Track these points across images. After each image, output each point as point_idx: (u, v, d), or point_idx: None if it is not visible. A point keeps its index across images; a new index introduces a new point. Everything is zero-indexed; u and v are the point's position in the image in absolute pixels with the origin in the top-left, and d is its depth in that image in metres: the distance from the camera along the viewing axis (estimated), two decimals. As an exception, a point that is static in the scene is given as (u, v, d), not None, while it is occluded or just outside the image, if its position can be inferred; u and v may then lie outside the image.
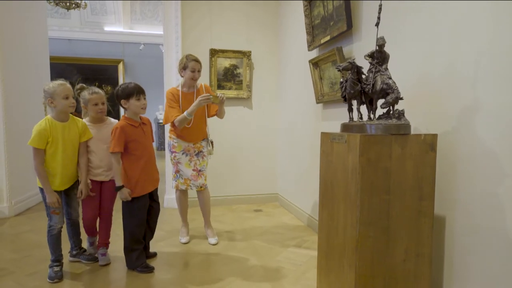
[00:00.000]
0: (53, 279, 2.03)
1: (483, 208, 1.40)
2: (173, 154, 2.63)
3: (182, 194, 2.73)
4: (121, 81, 9.87)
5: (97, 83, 9.74)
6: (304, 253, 2.51)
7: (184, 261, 2.37)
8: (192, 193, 2.92)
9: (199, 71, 2.56)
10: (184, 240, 2.69)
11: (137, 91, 2.11)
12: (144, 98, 2.16)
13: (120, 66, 9.85)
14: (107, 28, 9.19)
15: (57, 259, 2.11)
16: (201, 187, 2.66)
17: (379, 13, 1.48)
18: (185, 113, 2.45)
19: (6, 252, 2.48)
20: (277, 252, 2.52)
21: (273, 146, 4.05)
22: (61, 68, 9.18)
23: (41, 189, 2.06)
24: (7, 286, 1.97)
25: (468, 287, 1.47)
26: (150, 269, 2.18)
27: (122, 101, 2.13)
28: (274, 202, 4.06)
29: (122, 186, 2.11)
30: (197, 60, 2.56)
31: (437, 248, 1.62)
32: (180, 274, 2.17)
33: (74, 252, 2.35)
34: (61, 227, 2.13)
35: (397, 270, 1.47)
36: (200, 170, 2.66)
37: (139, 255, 2.20)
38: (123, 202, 2.17)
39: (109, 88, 9.86)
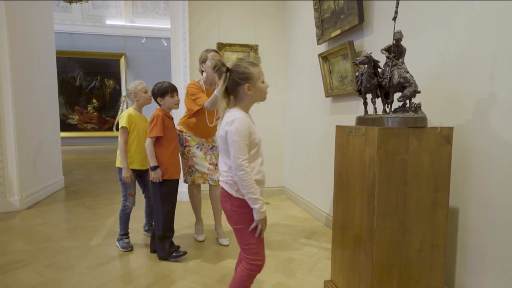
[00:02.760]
0: (126, 248, 2.43)
1: (497, 200, 1.43)
2: (186, 148, 2.56)
3: (195, 189, 2.66)
4: (123, 75, 9.86)
5: (99, 77, 9.75)
6: (314, 244, 2.55)
7: (198, 252, 2.41)
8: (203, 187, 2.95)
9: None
10: (200, 238, 2.65)
11: (171, 89, 2.30)
12: (177, 95, 2.34)
13: (122, 60, 9.83)
14: (108, 22, 9.15)
15: (126, 233, 2.50)
16: (218, 181, 2.58)
17: (397, 7, 1.50)
18: (215, 92, 2.30)
19: (21, 244, 2.52)
20: (288, 244, 2.56)
21: (280, 139, 4.08)
22: (63, 62, 9.17)
23: (119, 170, 2.42)
24: (28, 277, 2.01)
25: (481, 277, 1.51)
26: (183, 254, 2.28)
27: (158, 99, 2.30)
28: (280, 195, 4.10)
29: (158, 166, 2.23)
30: (216, 51, 2.53)
31: (451, 239, 1.65)
32: (195, 264, 2.21)
33: (146, 228, 2.75)
34: (132, 208, 2.50)
35: (412, 260, 1.50)
36: (216, 164, 2.61)
37: (171, 243, 2.29)
38: (155, 190, 2.29)
39: (112, 82, 9.86)
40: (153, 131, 2.21)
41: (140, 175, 2.58)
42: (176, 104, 2.33)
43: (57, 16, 8.38)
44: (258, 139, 1.43)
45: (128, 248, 2.43)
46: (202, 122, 2.52)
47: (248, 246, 1.40)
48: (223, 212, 2.56)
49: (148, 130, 2.25)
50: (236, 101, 1.44)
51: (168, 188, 2.28)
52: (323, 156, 3.04)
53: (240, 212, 1.39)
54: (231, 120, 1.36)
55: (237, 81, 1.40)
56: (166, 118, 2.28)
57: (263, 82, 1.46)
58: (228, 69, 1.40)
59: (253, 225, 1.37)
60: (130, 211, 2.50)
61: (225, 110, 1.43)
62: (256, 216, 1.36)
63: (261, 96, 1.47)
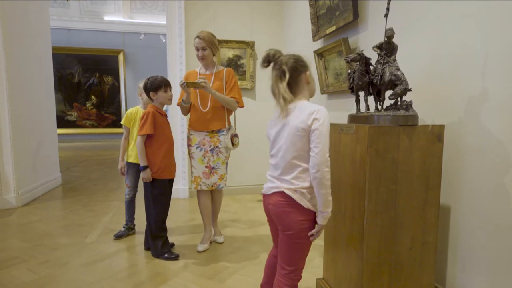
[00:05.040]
0: (113, 236, 2.60)
1: (488, 197, 1.43)
2: (189, 147, 2.43)
3: (201, 194, 2.43)
4: (121, 71, 9.83)
5: (97, 74, 9.73)
6: (309, 241, 2.55)
7: (192, 250, 2.42)
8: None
9: (203, 49, 2.32)
10: (200, 248, 2.39)
11: (164, 84, 2.22)
12: (170, 90, 2.28)
13: (121, 56, 9.80)
14: (106, 18, 9.11)
15: (126, 222, 2.67)
16: (212, 186, 2.38)
17: (388, 4, 1.49)
18: (182, 102, 2.34)
19: (17, 241, 2.53)
20: (283, 241, 2.56)
21: (277, 136, 4.06)
22: (61, 58, 9.15)
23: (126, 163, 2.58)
24: (21, 274, 2.02)
25: (472, 274, 1.52)
26: (175, 257, 2.24)
27: (151, 94, 2.23)
28: (277, 192, 4.09)
29: (147, 166, 2.19)
30: (200, 37, 2.32)
31: (442, 236, 1.66)
32: (189, 262, 2.22)
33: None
34: (132, 197, 2.65)
35: (403, 258, 1.51)
36: (213, 168, 2.37)
37: (164, 242, 2.28)
38: (146, 190, 2.26)
39: (110, 79, 9.83)
40: (143, 128, 2.15)
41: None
42: (169, 100, 2.27)
43: (54, 12, 8.35)
44: None
45: (114, 236, 2.57)
46: (196, 108, 2.36)
47: (297, 261, 1.31)
48: (218, 212, 2.56)
49: (139, 128, 2.20)
50: (295, 93, 1.29)
51: (159, 189, 2.23)
52: (319, 153, 3.04)
53: (308, 226, 1.28)
54: (315, 110, 1.21)
55: (298, 68, 1.27)
56: (158, 115, 2.22)
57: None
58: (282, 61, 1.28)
59: (316, 229, 1.27)
60: (129, 200, 2.62)
61: (287, 103, 1.28)
62: (322, 221, 1.26)
63: (313, 89, 1.34)
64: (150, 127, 2.15)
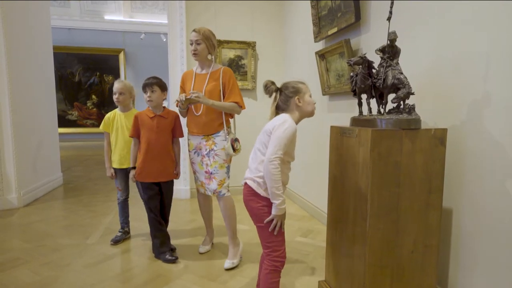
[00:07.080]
0: (110, 241, 2.53)
1: (491, 201, 1.43)
2: (189, 153, 2.36)
3: (201, 197, 2.38)
4: (122, 71, 9.82)
5: (98, 73, 9.71)
6: (310, 243, 2.56)
7: (194, 251, 2.42)
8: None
9: (197, 42, 2.18)
10: (202, 249, 2.40)
11: (143, 86, 2.25)
12: (151, 91, 2.21)
13: (121, 56, 9.77)
14: (107, 17, 9.09)
15: (121, 226, 2.62)
16: (213, 193, 2.25)
17: (391, 7, 1.49)
18: (178, 110, 2.32)
19: (18, 242, 2.53)
20: (284, 242, 2.57)
21: (278, 137, 4.06)
22: (62, 57, 9.14)
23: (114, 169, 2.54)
24: (24, 275, 2.03)
25: (474, 278, 1.52)
26: (173, 259, 2.23)
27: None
28: (278, 192, 4.09)
29: (134, 167, 2.28)
30: (195, 30, 2.20)
31: (444, 240, 1.66)
32: (191, 263, 2.22)
33: None
34: (124, 199, 2.62)
35: (405, 261, 1.51)
36: (211, 173, 2.22)
37: (161, 243, 2.28)
38: (140, 192, 2.35)
39: (111, 78, 9.82)
40: (130, 132, 2.30)
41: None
42: (148, 101, 2.22)
43: (55, 11, 8.31)
44: (294, 154, 1.55)
45: (111, 241, 2.52)
46: (190, 112, 2.28)
47: (270, 244, 1.49)
48: (229, 224, 2.37)
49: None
50: (287, 111, 1.56)
51: (144, 191, 2.27)
52: (320, 154, 3.04)
53: (267, 211, 1.47)
54: (284, 120, 1.46)
55: (288, 95, 1.54)
56: (144, 118, 2.24)
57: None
58: (278, 88, 1.55)
59: (269, 218, 1.45)
60: (122, 202, 2.61)
61: (274, 114, 1.57)
62: (274, 211, 1.43)
63: (309, 109, 1.59)
64: (132, 131, 2.28)
